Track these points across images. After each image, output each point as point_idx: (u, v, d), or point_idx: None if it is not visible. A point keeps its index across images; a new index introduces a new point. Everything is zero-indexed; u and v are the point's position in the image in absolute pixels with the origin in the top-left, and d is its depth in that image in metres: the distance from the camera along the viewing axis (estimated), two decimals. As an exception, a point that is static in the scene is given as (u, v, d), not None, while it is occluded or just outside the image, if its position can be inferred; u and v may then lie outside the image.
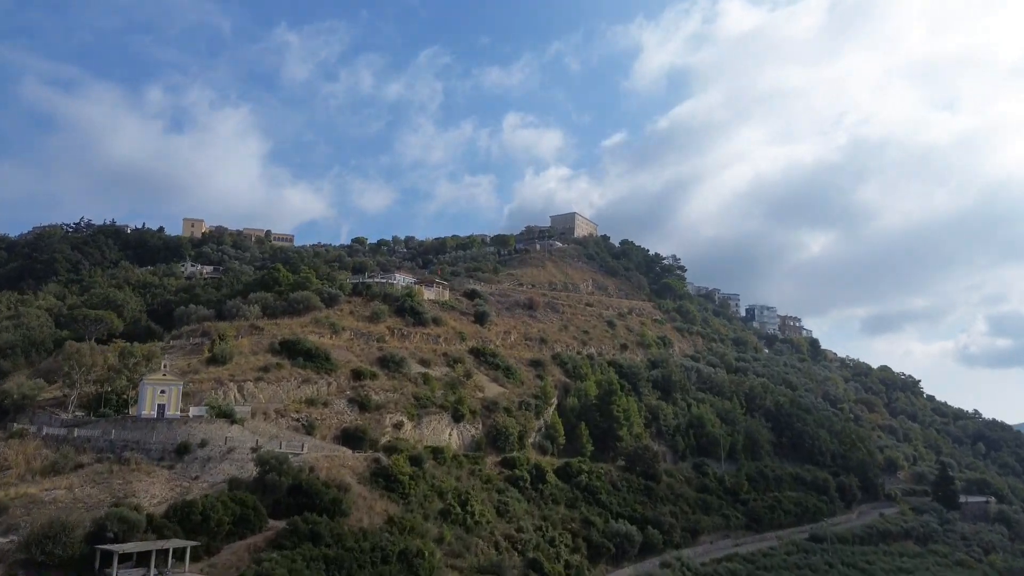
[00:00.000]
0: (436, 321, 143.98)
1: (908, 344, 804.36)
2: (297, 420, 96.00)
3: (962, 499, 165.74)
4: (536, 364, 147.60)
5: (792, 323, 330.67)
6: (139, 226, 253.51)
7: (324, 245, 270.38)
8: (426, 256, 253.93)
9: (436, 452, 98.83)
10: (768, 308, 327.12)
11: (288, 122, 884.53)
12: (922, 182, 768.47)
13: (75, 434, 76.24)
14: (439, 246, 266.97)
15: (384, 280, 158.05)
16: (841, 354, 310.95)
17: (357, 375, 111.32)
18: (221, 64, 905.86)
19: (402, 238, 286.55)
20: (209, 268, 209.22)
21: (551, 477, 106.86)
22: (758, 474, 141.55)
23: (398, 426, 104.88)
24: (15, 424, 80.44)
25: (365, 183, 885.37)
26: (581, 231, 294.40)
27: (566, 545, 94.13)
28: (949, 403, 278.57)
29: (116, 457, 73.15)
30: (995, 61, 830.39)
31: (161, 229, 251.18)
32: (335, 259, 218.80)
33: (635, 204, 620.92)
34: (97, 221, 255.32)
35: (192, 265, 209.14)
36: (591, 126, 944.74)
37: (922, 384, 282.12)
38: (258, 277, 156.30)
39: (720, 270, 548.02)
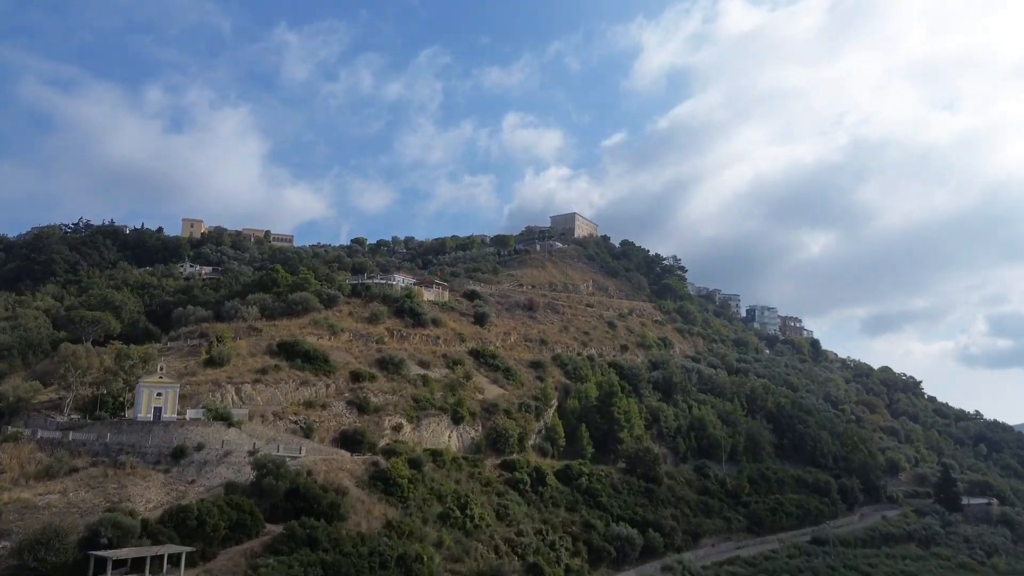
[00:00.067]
0: (435, 322, 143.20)
1: (908, 344, 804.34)
2: (295, 423, 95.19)
3: (964, 501, 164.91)
4: (536, 365, 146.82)
5: (793, 324, 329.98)
6: (138, 227, 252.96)
7: (323, 246, 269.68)
8: (426, 257, 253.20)
9: (435, 455, 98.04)
10: (769, 309, 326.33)
11: (288, 122, 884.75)
12: (922, 182, 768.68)
13: (70, 437, 75.32)
14: (439, 247, 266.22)
15: (383, 281, 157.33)
16: (842, 355, 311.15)
17: (356, 377, 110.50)
18: (221, 64, 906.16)
19: (402, 238, 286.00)
20: (208, 269, 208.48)
21: (551, 480, 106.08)
22: (759, 476, 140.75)
23: (397, 428, 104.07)
24: (10, 427, 79.51)
25: (365, 183, 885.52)
26: (581, 231, 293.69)
27: (566, 549, 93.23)
28: (950, 404, 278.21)
29: (111, 461, 72.27)
30: (995, 61, 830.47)
31: (160, 230, 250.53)
32: (334, 260, 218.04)
33: (635, 204, 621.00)
34: (96, 221, 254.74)
35: (191, 266, 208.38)
36: (591, 126, 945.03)
37: (923, 385, 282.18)
38: (257, 278, 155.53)
39: (720, 270, 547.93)
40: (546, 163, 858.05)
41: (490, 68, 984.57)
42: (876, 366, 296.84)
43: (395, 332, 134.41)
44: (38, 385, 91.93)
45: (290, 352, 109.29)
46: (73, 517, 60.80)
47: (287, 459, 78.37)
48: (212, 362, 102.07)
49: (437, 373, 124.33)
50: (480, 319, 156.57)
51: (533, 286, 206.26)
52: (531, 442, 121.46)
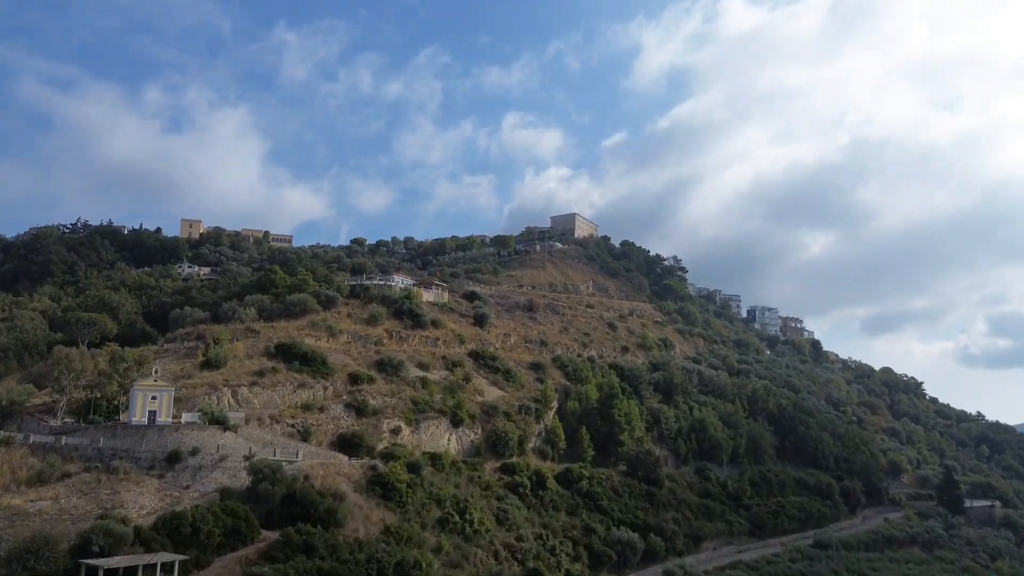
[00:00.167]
0: (435, 323, 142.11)
1: (908, 344, 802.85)
2: (292, 426, 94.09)
3: (967, 503, 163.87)
4: (536, 367, 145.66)
5: (793, 324, 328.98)
6: (136, 227, 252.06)
7: (323, 246, 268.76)
8: (425, 257, 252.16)
9: (434, 458, 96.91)
10: (770, 309, 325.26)
11: (287, 122, 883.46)
12: (922, 182, 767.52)
13: (63, 442, 74.16)
14: (438, 247, 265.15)
15: (382, 282, 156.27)
16: (842, 355, 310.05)
17: (354, 379, 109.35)
18: (220, 64, 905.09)
19: (401, 239, 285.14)
20: (206, 269, 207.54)
21: (551, 483, 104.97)
22: (761, 479, 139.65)
23: (396, 431, 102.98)
24: (2, 431, 78.36)
25: (364, 183, 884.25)
26: (581, 232, 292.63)
27: (567, 553, 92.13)
28: (951, 405, 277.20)
29: (104, 466, 71.11)
30: (996, 61, 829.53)
31: (158, 230, 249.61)
32: (333, 260, 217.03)
33: (635, 204, 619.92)
34: (96, 222, 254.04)
35: (189, 267, 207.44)
36: (591, 126, 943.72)
37: (924, 386, 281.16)
38: (254, 279, 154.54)
39: (720, 270, 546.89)
40: (546, 163, 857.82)
41: (490, 68, 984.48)
42: (876, 366, 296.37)
43: (394, 334, 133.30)
44: (32, 388, 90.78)
45: (288, 354, 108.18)
46: (64, 524, 59.72)
47: (284, 463, 77.35)
48: (208, 364, 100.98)
49: (436, 375, 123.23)
50: (480, 320, 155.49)
51: (533, 287, 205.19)
52: (531, 445, 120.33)
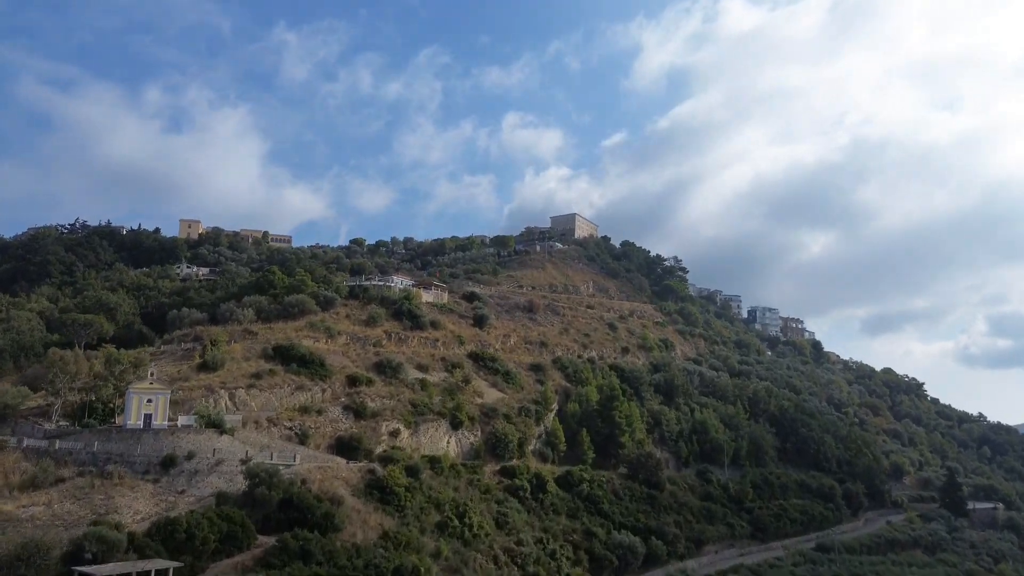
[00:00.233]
0: (434, 325, 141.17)
1: (908, 344, 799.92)
2: (290, 429, 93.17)
3: (970, 506, 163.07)
4: (536, 368, 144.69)
5: (794, 325, 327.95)
6: (135, 227, 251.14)
7: (322, 246, 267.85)
8: (425, 257, 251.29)
9: (433, 461, 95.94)
10: (770, 310, 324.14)
11: (287, 122, 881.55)
12: (922, 182, 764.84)
13: (57, 446, 73.18)
14: (438, 247, 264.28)
15: (381, 283, 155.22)
16: (842, 355, 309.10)
17: (352, 381, 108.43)
18: (220, 64, 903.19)
19: (401, 239, 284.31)
20: (205, 270, 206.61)
21: (552, 486, 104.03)
22: (763, 481, 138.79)
23: (394, 434, 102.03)
24: (-4, 435, 77.48)
25: (364, 183, 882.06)
26: (581, 232, 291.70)
27: (567, 558, 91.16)
28: (953, 406, 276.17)
29: (99, 471, 70.12)
30: (996, 61, 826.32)
31: (157, 230, 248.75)
32: (333, 260, 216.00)
33: (635, 204, 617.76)
34: (96, 222, 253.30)
35: (187, 267, 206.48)
36: (591, 126, 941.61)
37: (925, 387, 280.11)
38: (253, 280, 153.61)
39: (720, 270, 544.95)
40: (546, 163, 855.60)
41: (490, 68, 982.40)
42: (876, 366, 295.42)
43: (393, 335, 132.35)
44: (27, 390, 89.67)
45: (285, 356, 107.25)
46: (57, 531, 58.74)
47: (281, 467, 76.35)
48: (205, 366, 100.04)
49: (435, 377, 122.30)
50: (479, 321, 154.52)
51: (533, 287, 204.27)
52: (531, 447, 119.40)
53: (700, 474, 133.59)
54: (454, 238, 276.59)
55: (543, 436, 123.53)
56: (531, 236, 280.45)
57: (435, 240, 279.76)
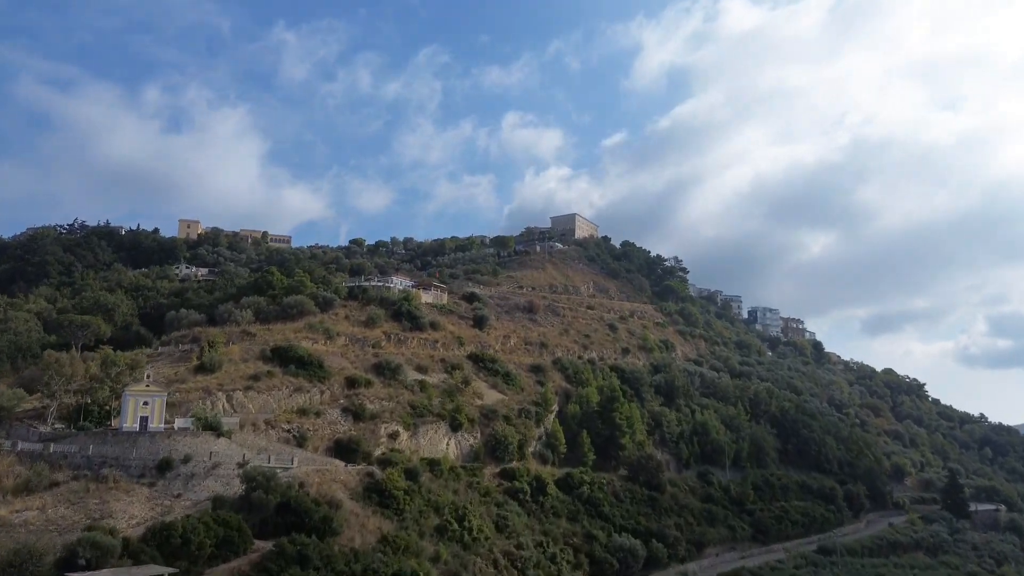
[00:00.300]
0: (434, 326, 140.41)
1: (908, 344, 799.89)
2: (288, 431, 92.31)
3: (972, 507, 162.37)
4: (536, 369, 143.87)
5: (795, 325, 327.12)
6: (134, 227, 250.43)
7: (322, 247, 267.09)
8: (424, 258, 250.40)
9: (432, 464, 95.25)
10: (771, 310, 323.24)
11: (287, 122, 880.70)
12: (923, 182, 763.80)
13: (51, 449, 72.36)
14: (438, 248, 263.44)
15: (381, 283, 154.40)
16: (843, 355, 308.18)
17: (351, 383, 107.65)
18: (219, 64, 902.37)
19: (400, 239, 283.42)
20: (204, 270, 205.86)
21: (552, 489, 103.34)
22: (764, 483, 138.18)
23: (393, 436, 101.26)
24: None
25: (364, 183, 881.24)
26: (582, 232, 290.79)
27: (568, 561, 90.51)
28: (954, 406, 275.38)
29: (94, 474, 69.32)
30: (996, 61, 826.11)
31: (156, 231, 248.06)
32: (332, 261, 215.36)
33: (635, 204, 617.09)
34: (96, 222, 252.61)
35: (186, 267, 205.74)
36: (591, 126, 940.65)
37: (926, 387, 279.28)
38: (251, 280, 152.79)
39: (720, 270, 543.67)
40: (546, 163, 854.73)
41: (489, 67, 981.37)
42: (876, 366, 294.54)
43: (392, 336, 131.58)
44: (22, 393, 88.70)
45: (284, 357, 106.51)
46: (50, 536, 57.92)
47: (278, 471, 75.60)
48: (203, 368, 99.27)
49: (435, 378, 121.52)
50: (479, 322, 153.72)
51: (533, 288, 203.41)
52: (531, 449, 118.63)
53: (701, 476, 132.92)
54: (454, 238, 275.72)
55: (543, 438, 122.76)
56: (531, 236, 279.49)
57: (435, 240, 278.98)
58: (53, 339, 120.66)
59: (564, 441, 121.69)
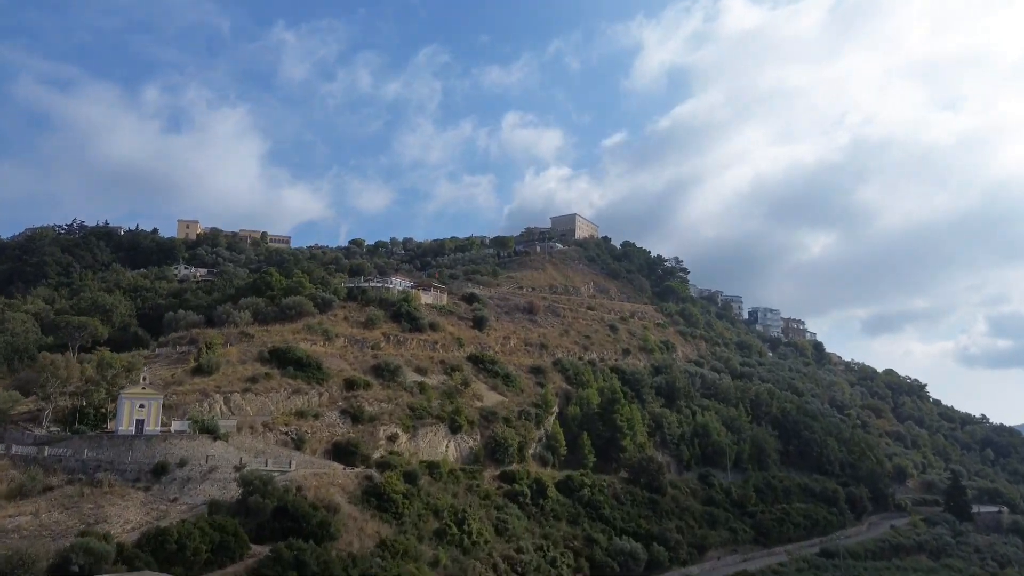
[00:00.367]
0: (433, 327, 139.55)
1: (908, 344, 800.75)
2: (286, 434, 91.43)
3: (974, 509, 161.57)
4: (536, 371, 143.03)
5: (796, 326, 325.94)
6: (133, 227, 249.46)
7: (321, 247, 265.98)
8: (424, 258, 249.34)
9: (432, 467, 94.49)
10: (772, 311, 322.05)
11: (286, 122, 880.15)
12: (923, 182, 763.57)
13: (46, 453, 71.56)
14: (437, 248, 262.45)
15: (380, 284, 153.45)
16: (843, 355, 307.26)
17: (350, 385, 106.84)
18: (219, 64, 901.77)
19: (400, 239, 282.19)
20: (203, 271, 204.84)
21: (552, 492, 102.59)
22: (765, 485, 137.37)
23: (392, 438, 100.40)
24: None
25: (364, 183, 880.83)
26: (582, 232, 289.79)
27: (568, 565, 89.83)
28: (955, 407, 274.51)
29: (88, 478, 68.50)
30: (997, 61, 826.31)
31: (155, 231, 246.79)
32: (331, 261, 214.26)
33: (635, 204, 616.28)
34: (95, 222, 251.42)
35: (185, 268, 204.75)
36: (591, 126, 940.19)
37: (927, 388, 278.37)
38: (250, 281, 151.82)
39: (720, 270, 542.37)
40: (546, 163, 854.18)
41: (489, 67, 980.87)
42: (876, 366, 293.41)
43: (391, 337, 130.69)
44: (17, 395, 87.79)
45: (282, 359, 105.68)
46: (44, 541, 57.09)
47: (275, 474, 74.87)
48: (200, 370, 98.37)
49: (434, 380, 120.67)
50: (479, 323, 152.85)
51: (533, 288, 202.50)
52: (531, 451, 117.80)
53: (702, 478, 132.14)
54: (454, 239, 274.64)
55: (543, 440, 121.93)
56: (531, 237, 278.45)
57: (435, 241, 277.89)
58: (50, 340, 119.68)
59: (564, 443, 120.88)
